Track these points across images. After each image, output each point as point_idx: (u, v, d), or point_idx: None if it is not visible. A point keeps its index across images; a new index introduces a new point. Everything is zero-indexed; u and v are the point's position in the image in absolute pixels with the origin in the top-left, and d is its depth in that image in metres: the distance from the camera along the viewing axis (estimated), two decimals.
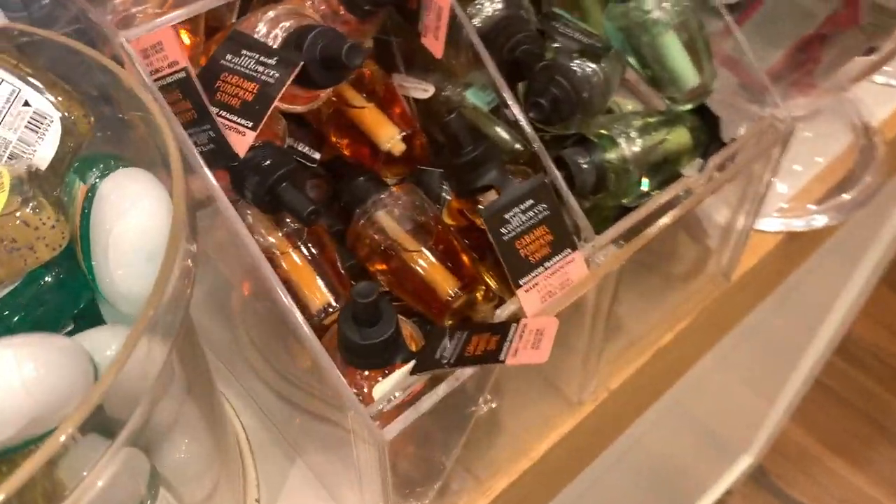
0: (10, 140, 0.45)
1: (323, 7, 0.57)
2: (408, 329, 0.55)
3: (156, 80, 0.48)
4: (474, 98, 0.63)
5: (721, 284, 0.79)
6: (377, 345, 0.49)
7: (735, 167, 0.66)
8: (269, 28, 0.53)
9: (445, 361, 0.48)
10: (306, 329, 0.48)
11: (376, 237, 0.59)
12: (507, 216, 0.53)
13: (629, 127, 0.64)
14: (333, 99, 0.62)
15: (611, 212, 0.68)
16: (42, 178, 0.43)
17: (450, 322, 0.59)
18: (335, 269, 0.57)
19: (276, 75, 0.50)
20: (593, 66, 0.60)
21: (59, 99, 0.46)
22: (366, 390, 0.52)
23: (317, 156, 0.63)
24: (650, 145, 0.64)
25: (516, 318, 0.51)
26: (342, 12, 0.57)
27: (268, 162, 0.51)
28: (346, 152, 0.63)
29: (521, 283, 0.53)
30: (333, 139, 0.63)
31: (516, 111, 0.57)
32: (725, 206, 0.75)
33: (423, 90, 0.64)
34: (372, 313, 0.49)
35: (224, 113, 0.50)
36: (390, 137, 0.61)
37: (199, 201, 0.51)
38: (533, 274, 0.54)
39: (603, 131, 0.64)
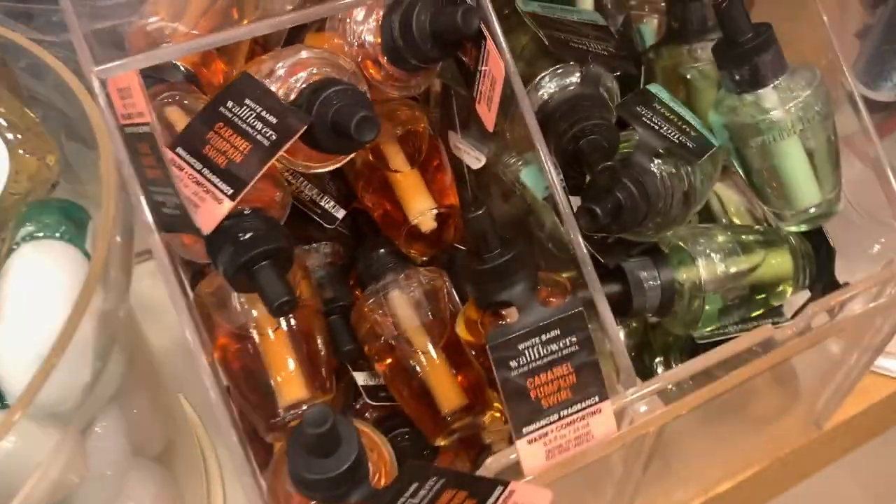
0: None
1: (361, 54, 0.48)
2: (383, 453, 0.46)
3: (126, 126, 0.41)
4: (529, 178, 0.53)
5: (809, 432, 0.66)
6: (328, 480, 0.41)
7: (846, 319, 0.53)
8: (288, 73, 0.45)
9: None
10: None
11: (382, 323, 0.51)
12: (521, 346, 0.43)
13: (713, 244, 0.52)
14: (370, 155, 0.53)
15: (674, 342, 0.57)
16: None
17: (443, 443, 0.50)
18: (319, 355, 0.49)
19: (273, 138, 0.42)
20: (679, 169, 0.49)
21: (19, 137, 0.39)
22: None
23: (340, 214, 0.55)
24: (737, 272, 0.52)
25: (505, 481, 0.41)
26: (384, 62, 0.48)
27: (247, 235, 0.43)
28: (372, 213, 0.54)
29: (524, 431, 0.43)
30: (361, 195, 0.54)
31: (563, 208, 0.47)
32: (832, 342, 0.61)
33: (475, 158, 0.55)
34: (325, 444, 0.40)
35: (206, 171, 0.42)
36: (422, 211, 0.52)
37: None
38: (542, 422, 0.44)
39: (680, 244, 0.52)
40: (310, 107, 0.43)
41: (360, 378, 0.53)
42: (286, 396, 0.47)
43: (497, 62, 0.46)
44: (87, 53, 0.40)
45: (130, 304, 0.45)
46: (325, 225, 0.53)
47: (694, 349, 0.56)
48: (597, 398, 0.45)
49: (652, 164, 0.48)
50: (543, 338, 0.44)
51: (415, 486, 0.42)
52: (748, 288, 0.53)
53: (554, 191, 0.46)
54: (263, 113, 0.43)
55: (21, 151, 0.39)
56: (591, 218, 0.45)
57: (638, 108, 0.49)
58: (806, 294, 0.57)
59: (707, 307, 0.51)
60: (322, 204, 0.54)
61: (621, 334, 0.56)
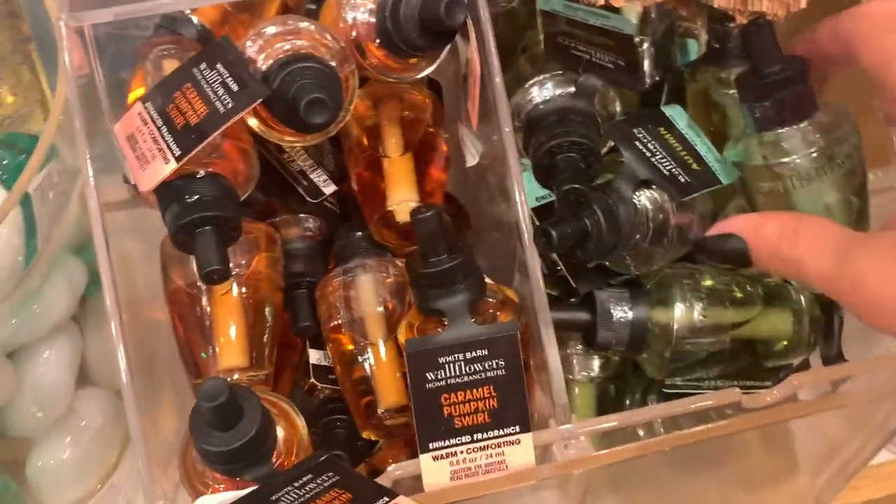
0: None
1: (355, 33, 0.47)
2: (297, 429, 0.46)
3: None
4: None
5: None
6: (223, 454, 0.41)
7: (842, 396, 0.48)
8: (268, 43, 0.45)
9: None
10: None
11: (341, 305, 0.50)
12: (441, 360, 0.42)
13: (700, 289, 0.48)
14: (364, 134, 0.52)
15: (653, 381, 0.53)
16: None
17: (372, 437, 0.49)
18: (264, 327, 0.49)
19: (230, 105, 0.42)
20: (666, 203, 0.45)
21: None
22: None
23: (328, 189, 0.54)
24: (719, 324, 0.48)
25: (394, 493, 0.40)
26: (375, 45, 0.47)
27: (194, 198, 0.43)
28: (355, 189, 0.53)
29: (430, 446, 0.42)
30: (350, 171, 0.53)
31: (524, 227, 0.44)
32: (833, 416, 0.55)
33: (472, 154, 0.53)
34: (223, 417, 0.40)
35: (164, 129, 0.43)
36: (402, 201, 0.50)
37: None
38: (452, 441, 0.42)
39: (664, 281, 0.48)
40: (275, 80, 0.43)
41: (314, 356, 0.53)
42: (221, 361, 0.47)
43: (475, 61, 0.43)
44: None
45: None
46: (308, 199, 0.52)
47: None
48: (517, 428, 0.42)
49: (636, 194, 0.44)
50: (468, 355, 0.42)
51: (308, 476, 0.41)
52: (737, 343, 0.49)
53: (517, 207, 0.44)
54: (228, 80, 0.43)
55: None
56: (546, 241, 0.42)
57: (635, 130, 0.46)
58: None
59: (676, 356, 0.47)
60: (311, 176, 0.53)
61: (595, 363, 0.54)
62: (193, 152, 0.41)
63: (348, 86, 0.46)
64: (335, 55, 0.45)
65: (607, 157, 0.47)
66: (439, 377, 0.42)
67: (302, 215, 0.54)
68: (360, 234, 0.52)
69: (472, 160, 0.52)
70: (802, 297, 0.50)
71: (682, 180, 0.44)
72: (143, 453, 0.42)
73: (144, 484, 0.42)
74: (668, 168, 0.44)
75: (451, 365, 0.42)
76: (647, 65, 0.52)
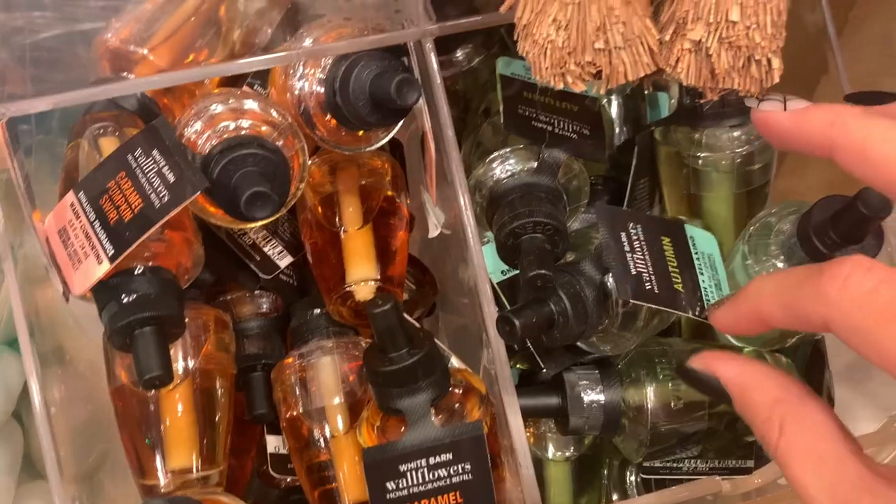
0: None
1: (304, 105, 0.44)
2: None
3: None
4: (487, 257, 0.47)
5: None
6: None
7: None
8: (209, 124, 0.42)
9: None
10: None
11: (298, 391, 0.47)
12: (402, 468, 0.39)
13: (671, 367, 0.45)
14: (318, 205, 0.49)
15: (621, 458, 0.51)
16: None
17: None
18: (215, 421, 0.46)
19: (166, 199, 0.39)
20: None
21: None
22: None
23: (283, 262, 0.51)
24: (694, 401, 0.45)
25: None
26: (325, 118, 0.44)
27: (131, 298, 0.40)
28: (311, 262, 0.50)
29: None
30: (304, 238, 0.50)
31: (485, 310, 0.42)
32: None
33: (434, 225, 0.50)
34: None
35: (97, 224, 0.39)
36: (360, 279, 0.47)
37: None
38: None
39: (635, 359, 0.46)
40: (215, 168, 0.40)
41: (272, 443, 0.50)
42: (170, 462, 0.44)
43: (430, 142, 0.41)
44: None
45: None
46: (262, 275, 0.49)
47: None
48: None
49: (606, 277, 0.41)
50: (431, 461, 0.39)
51: None
52: (715, 419, 0.46)
53: (481, 301, 0.41)
54: (165, 169, 0.39)
55: None
56: (509, 330, 0.39)
57: (632, 223, 0.42)
58: None
59: (651, 439, 0.45)
60: (265, 249, 0.50)
61: (570, 442, 0.51)
62: (128, 251, 0.38)
63: (297, 164, 0.43)
64: (282, 132, 0.43)
65: (581, 232, 0.44)
66: (401, 486, 0.39)
67: (251, 294, 0.51)
68: (318, 311, 0.49)
69: (434, 230, 0.50)
70: (781, 362, 0.47)
71: (648, 287, 0.41)
72: None
73: None
74: (637, 268, 0.41)
75: (414, 472, 0.39)
76: (614, 125, 0.50)
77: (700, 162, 0.48)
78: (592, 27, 0.34)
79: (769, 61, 0.36)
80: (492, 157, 0.44)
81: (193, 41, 0.50)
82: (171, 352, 0.42)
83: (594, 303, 0.41)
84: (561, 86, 0.35)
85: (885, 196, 0.36)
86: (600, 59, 0.34)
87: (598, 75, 0.35)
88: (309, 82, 0.44)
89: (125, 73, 0.48)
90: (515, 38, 0.37)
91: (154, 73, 0.47)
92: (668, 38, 0.36)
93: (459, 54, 0.51)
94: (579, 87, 0.35)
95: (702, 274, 0.44)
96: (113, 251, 0.39)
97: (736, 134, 0.47)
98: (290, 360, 0.48)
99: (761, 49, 0.36)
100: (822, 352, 0.52)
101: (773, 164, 0.49)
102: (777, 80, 0.39)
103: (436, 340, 0.44)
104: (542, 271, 0.40)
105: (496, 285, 0.48)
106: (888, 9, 0.59)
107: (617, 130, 0.50)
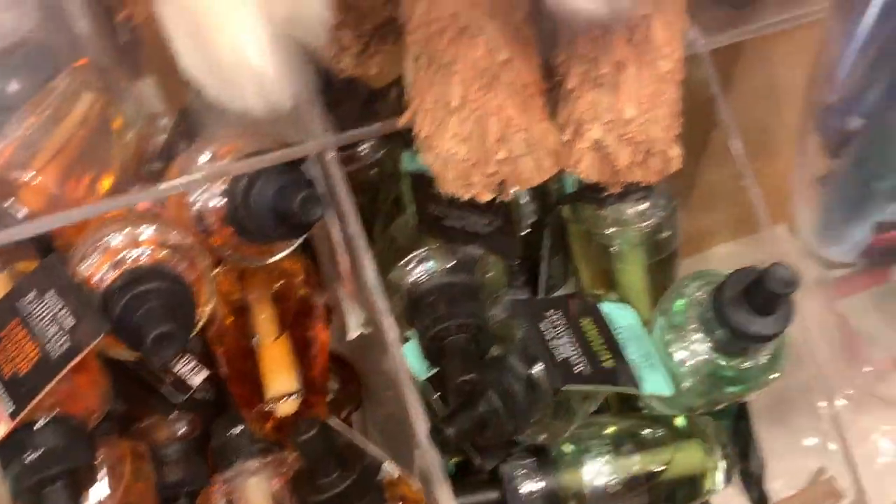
0: None
1: (206, 222, 0.42)
2: None
3: None
4: (409, 355, 0.46)
5: None
6: None
7: None
8: (110, 254, 0.39)
9: None
10: None
11: None
12: None
13: (605, 445, 0.45)
14: (229, 315, 0.48)
15: None
16: None
17: None
18: None
19: (65, 348, 0.36)
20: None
21: None
22: None
23: (196, 380, 0.49)
24: (634, 476, 0.45)
25: None
26: (228, 233, 0.42)
27: (36, 455, 0.37)
28: (226, 377, 0.48)
29: None
30: (216, 352, 0.48)
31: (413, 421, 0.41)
32: None
33: (354, 325, 0.49)
34: None
35: None
36: (279, 394, 0.46)
37: None
38: None
39: (568, 444, 0.46)
40: (115, 305, 0.38)
41: None
42: None
43: (342, 259, 0.40)
44: None
45: None
46: (174, 400, 0.47)
47: None
48: None
49: (533, 370, 0.41)
50: None
51: None
52: (656, 493, 0.46)
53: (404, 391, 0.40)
54: (62, 313, 0.37)
55: None
56: (442, 441, 0.38)
57: (549, 312, 0.42)
58: None
59: None
60: (176, 370, 0.48)
61: None
62: (28, 408, 0.36)
63: (202, 287, 0.41)
64: (185, 255, 0.41)
65: (504, 322, 0.44)
66: None
67: (166, 417, 0.48)
68: (238, 429, 0.47)
69: (354, 331, 0.48)
70: (707, 427, 0.48)
71: (578, 370, 0.41)
72: None
73: None
74: (562, 354, 0.41)
75: None
76: (520, 206, 0.50)
77: (609, 237, 0.48)
78: (493, 139, 0.34)
79: (666, 152, 0.37)
80: (409, 258, 0.43)
81: (82, 155, 0.48)
82: (90, 492, 0.40)
83: (524, 396, 0.40)
84: (467, 196, 0.35)
85: (793, 272, 0.37)
86: (504, 168, 0.34)
87: (503, 183, 0.35)
88: (208, 196, 0.42)
89: (11, 199, 0.46)
90: (415, 149, 0.36)
91: (42, 197, 0.45)
92: (567, 137, 0.37)
93: (363, 148, 0.50)
94: (485, 197, 0.35)
95: (628, 347, 0.44)
96: (13, 408, 0.36)
97: (641, 207, 0.48)
98: (215, 486, 0.46)
99: (659, 142, 0.36)
100: (744, 404, 0.53)
101: (679, 231, 0.50)
102: (678, 167, 0.40)
103: (366, 449, 0.43)
104: (469, 376, 0.39)
105: (426, 381, 0.47)
106: (769, 60, 0.62)
107: (524, 209, 0.50)
